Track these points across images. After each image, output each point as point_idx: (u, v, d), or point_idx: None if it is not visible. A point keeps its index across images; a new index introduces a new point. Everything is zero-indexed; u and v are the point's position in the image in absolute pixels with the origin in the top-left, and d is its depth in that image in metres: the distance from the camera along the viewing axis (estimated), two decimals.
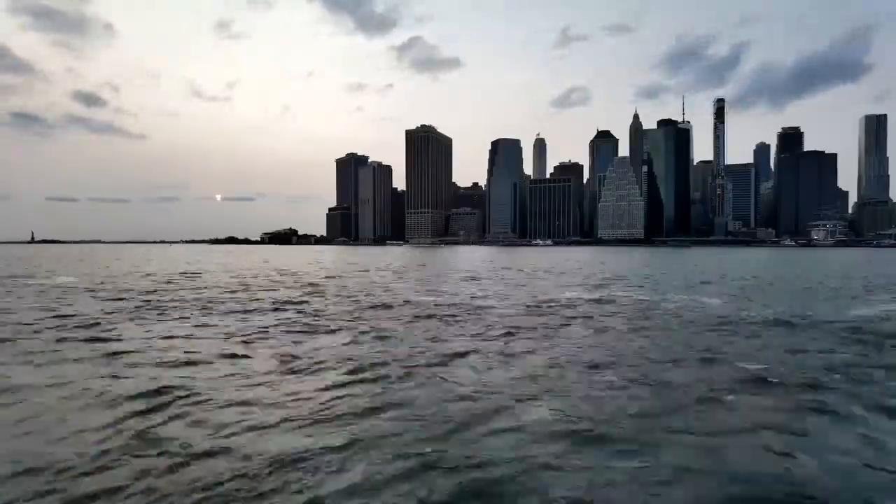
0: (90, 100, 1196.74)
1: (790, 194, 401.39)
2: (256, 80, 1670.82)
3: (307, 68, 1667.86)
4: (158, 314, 18.71)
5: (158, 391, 8.95)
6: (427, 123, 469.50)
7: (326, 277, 40.19)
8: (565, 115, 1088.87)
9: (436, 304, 21.82)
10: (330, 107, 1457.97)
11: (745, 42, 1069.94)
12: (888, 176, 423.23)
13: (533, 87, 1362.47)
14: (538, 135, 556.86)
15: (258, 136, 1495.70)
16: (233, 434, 7.08)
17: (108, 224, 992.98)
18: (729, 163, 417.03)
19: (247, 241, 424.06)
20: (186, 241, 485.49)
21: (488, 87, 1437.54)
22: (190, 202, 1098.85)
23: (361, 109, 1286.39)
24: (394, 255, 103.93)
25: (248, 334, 14.63)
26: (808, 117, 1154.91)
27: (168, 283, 33.93)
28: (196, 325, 16.25)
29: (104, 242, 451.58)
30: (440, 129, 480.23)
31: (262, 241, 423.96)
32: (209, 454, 6.43)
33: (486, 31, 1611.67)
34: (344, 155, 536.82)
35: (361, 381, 9.83)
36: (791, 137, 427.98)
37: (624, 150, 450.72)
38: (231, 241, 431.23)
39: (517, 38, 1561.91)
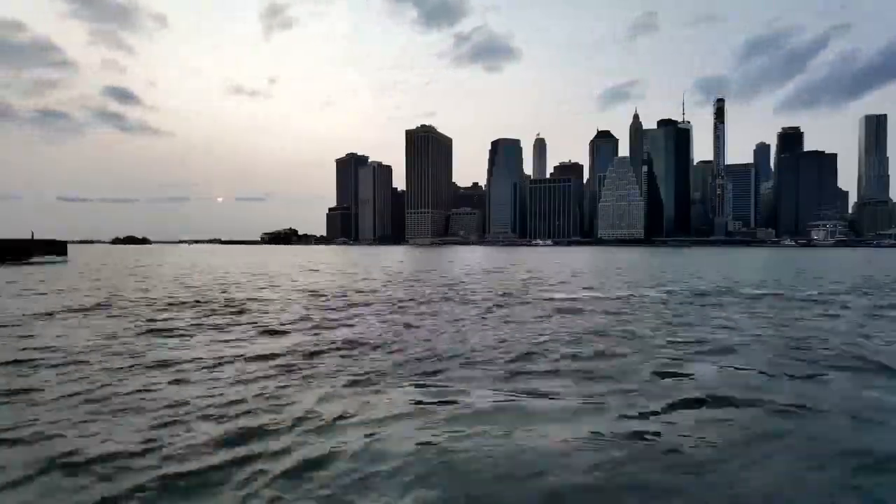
0: (124, 96, 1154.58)
1: (790, 194, 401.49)
2: (298, 77, 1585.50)
3: (352, 63, 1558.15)
4: None
5: None
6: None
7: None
8: (611, 112, 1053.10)
9: None
10: (366, 103, 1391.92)
11: (837, 28, 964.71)
12: (888, 176, 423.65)
13: (587, 81, 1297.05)
14: (538, 134, 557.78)
15: (285, 133, 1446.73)
16: None
17: (112, 224, 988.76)
18: (729, 163, 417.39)
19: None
20: (190, 242, 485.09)
21: (543, 84, 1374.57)
22: (206, 201, 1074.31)
23: (399, 107, 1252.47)
24: (377, 259, 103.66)
25: None
26: (809, 117, 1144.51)
27: None
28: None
29: (103, 242, 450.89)
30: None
31: (261, 241, 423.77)
32: None
33: (556, 22, 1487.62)
34: (344, 155, 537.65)
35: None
36: (791, 137, 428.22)
37: (624, 150, 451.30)
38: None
39: (584, 31, 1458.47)
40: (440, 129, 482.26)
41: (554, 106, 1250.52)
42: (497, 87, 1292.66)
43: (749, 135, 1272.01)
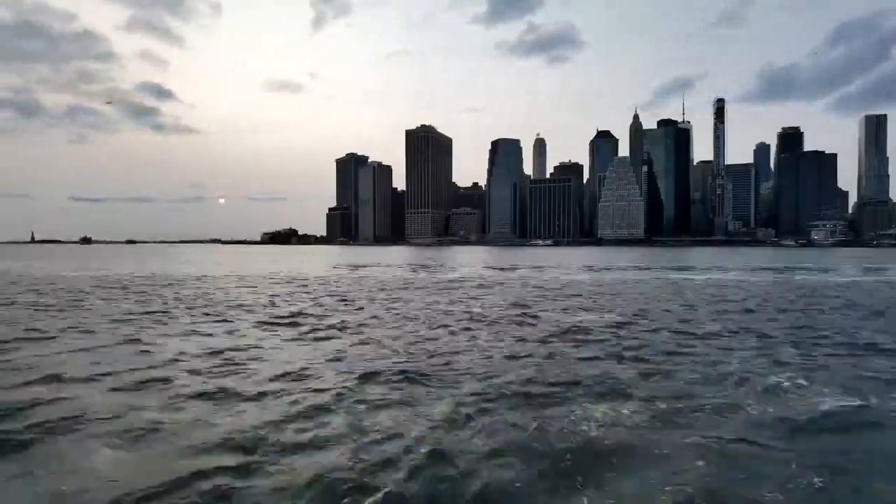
0: (160, 93, 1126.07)
1: (790, 194, 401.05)
2: (340, 72, 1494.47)
3: (401, 55, 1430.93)
4: None
5: None
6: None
7: None
8: (665, 106, 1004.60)
9: None
10: (406, 99, 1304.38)
11: None
12: (888, 176, 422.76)
13: (650, 74, 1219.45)
14: (538, 134, 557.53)
15: (313, 132, 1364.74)
16: None
17: (116, 224, 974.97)
18: (729, 163, 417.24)
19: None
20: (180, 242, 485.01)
21: (600, 79, 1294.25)
22: (222, 201, 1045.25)
23: (443, 102, 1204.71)
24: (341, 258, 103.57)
25: None
26: (807, 116, 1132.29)
27: None
28: None
29: (104, 242, 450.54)
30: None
31: (261, 241, 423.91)
32: None
33: (631, 14, 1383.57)
34: (344, 155, 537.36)
35: None
36: (791, 137, 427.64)
37: (624, 150, 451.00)
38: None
39: (663, 22, 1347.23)
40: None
41: (606, 101, 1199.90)
42: (552, 80, 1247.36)
43: (749, 135, 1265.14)
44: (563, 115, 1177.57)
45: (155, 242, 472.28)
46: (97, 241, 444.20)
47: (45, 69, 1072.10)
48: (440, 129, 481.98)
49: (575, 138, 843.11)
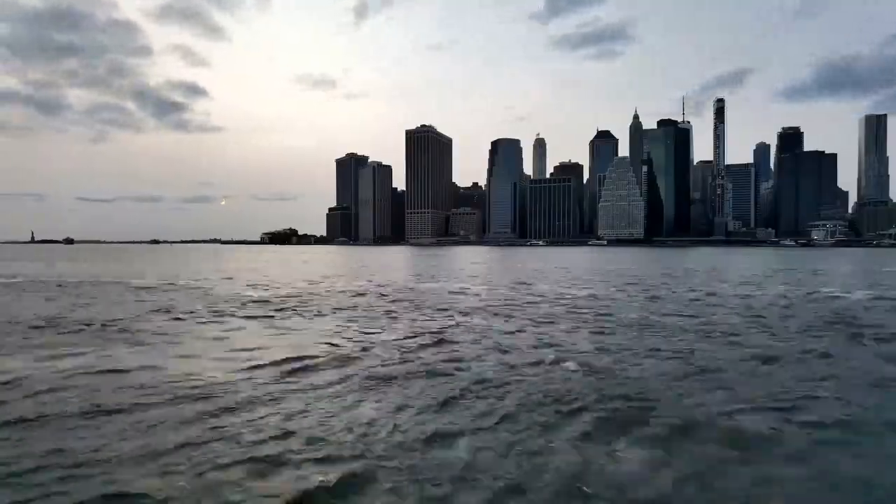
0: (193, 90, 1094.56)
1: (790, 194, 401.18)
2: (376, 67, 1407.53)
3: (441, 50, 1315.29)
4: None
5: None
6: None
7: None
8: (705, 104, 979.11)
9: None
10: (437, 98, 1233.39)
11: None
12: (888, 176, 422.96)
13: (704, 66, 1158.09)
14: (538, 135, 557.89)
15: (328, 131, 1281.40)
16: None
17: (114, 225, 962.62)
18: (729, 163, 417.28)
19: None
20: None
21: (643, 76, 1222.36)
22: (232, 201, 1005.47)
23: (482, 101, 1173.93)
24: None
25: None
26: (807, 116, 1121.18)
27: None
28: None
29: (103, 243, 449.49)
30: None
31: (261, 241, 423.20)
32: None
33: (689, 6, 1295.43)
34: (344, 155, 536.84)
35: None
36: (791, 137, 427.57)
37: (624, 150, 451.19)
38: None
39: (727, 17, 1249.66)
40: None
41: (647, 98, 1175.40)
42: (596, 74, 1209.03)
43: (749, 135, 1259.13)
44: (593, 110, 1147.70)
45: (151, 243, 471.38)
46: (105, 242, 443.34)
47: (75, 63, 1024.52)
48: (442, 129, 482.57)
49: (575, 138, 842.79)
